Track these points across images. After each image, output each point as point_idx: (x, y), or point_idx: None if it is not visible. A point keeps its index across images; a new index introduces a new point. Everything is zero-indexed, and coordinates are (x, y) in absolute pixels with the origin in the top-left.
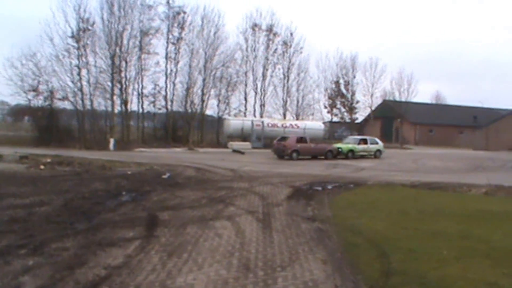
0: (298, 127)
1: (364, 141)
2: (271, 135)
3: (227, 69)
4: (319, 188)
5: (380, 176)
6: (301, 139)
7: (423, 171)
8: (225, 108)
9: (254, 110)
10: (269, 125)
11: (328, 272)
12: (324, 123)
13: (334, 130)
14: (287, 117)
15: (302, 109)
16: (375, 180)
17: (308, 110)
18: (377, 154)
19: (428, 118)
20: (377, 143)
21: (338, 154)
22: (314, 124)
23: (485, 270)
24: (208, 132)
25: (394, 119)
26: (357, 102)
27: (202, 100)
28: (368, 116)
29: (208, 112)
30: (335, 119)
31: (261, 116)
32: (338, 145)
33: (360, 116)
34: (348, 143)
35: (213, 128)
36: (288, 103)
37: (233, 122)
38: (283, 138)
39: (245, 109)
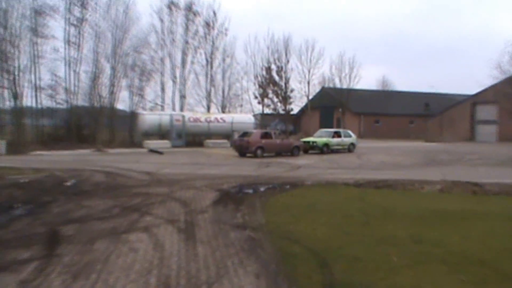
0: (224, 121)
1: (338, 134)
2: (193, 131)
3: (140, 55)
4: (250, 191)
5: (320, 174)
6: (266, 135)
7: (369, 167)
8: (139, 101)
9: (173, 103)
10: (191, 119)
11: (261, 287)
12: (254, 115)
13: (266, 123)
14: (211, 110)
15: (229, 100)
16: (314, 180)
17: (235, 101)
18: (351, 148)
19: (373, 107)
20: (350, 136)
21: (311, 149)
22: (243, 117)
23: (441, 277)
24: (119, 129)
25: (335, 109)
26: (291, 90)
27: (112, 92)
28: (305, 106)
29: (119, 106)
30: (267, 110)
31: (182, 110)
32: (312, 139)
33: (296, 107)
34: (322, 137)
35: (125, 125)
36: (212, 93)
37: (149, 118)
38: (246, 134)
39: (163, 102)
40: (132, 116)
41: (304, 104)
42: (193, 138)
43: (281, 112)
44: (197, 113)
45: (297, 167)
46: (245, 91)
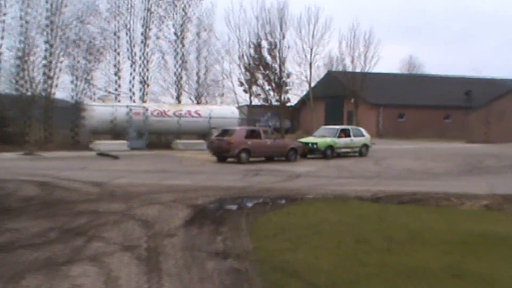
0: (199, 115)
1: (346, 133)
2: (158, 129)
3: (86, 26)
4: (234, 207)
5: (326, 185)
6: (253, 133)
7: (391, 176)
8: (86, 89)
9: (132, 91)
10: (156, 113)
11: None
12: (239, 108)
13: (254, 118)
14: (183, 101)
15: (206, 88)
16: (318, 193)
17: (215, 89)
18: (363, 151)
19: (397, 97)
20: (362, 135)
21: (310, 153)
22: (225, 110)
23: None
24: (59, 126)
25: (345, 100)
26: (288, 75)
27: (48, 76)
28: (306, 96)
29: (58, 95)
30: (256, 101)
31: (143, 100)
32: (311, 139)
33: (294, 97)
34: (325, 136)
35: (67, 121)
36: (184, 79)
37: (99, 110)
38: (227, 132)
39: (118, 89)
40: (76, 109)
41: (304, 93)
42: (158, 137)
43: (275, 103)
44: (163, 105)
45: (295, 176)
46: (227, 76)
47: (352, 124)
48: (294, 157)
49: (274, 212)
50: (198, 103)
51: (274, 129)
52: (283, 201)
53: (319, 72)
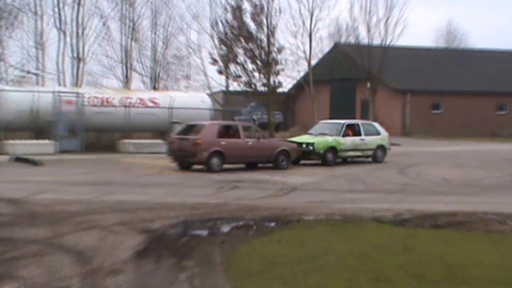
0: (157, 104)
1: (354, 130)
2: (99, 124)
3: None
4: (204, 233)
5: (331, 202)
6: (228, 130)
7: (421, 190)
8: None
9: (61, 71)
10: (96, 102)
11: None
12: (212, 95)
13: (233, 109)
14: (133, 85)
15: (166, 68)
16: (321, 212)
17: (178, 70)
18: (378, 155)
19: (430, 80)
20: (377, 133)
21: (303, 157)
22: (192, 97)
23: None
24: None
25: (358, 84)
26: (280, 50)
27: None
28: (304, 78)
29: None
30: (235, 86)
31: (78, 84)
32: (305, 139)
33: (287, 80)
34: (325, 135)
35: None
36: (134, 55)
37: (14, 97)
38: (192, 128)
39: (40, 68)
40: None
41: (302, 75)
42: (98, 136)
43: (261, 89)
44: (106, 91)
45: (289, 189)
46: (195, 51)
47: (368, 118)
48: (285, 164)
49: (260, 240)
50: (154, 88)
51: (260, 125)
52: (273, 224)
53: (322, 46)
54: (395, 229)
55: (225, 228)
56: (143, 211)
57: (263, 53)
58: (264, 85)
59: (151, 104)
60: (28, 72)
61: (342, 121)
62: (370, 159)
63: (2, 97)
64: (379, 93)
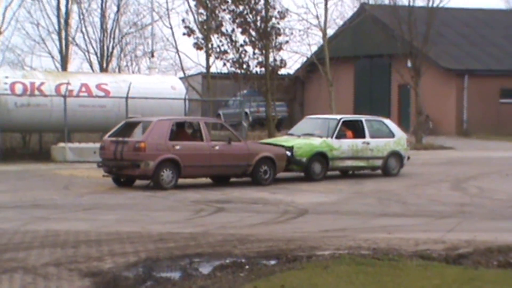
0: (107, 92)
1: (353, 128)
2: (24, 121)
3: None
4: (176, 275)
5: (355, 231)
6: (185, 128)
7: (484, 212)
8: None
9: None
10: (19, 90)
11: None
12: (187, 79)
13: (218, 99)
14: (72, 66)
15: (119, 41)
16: (341, 245)
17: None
18: (391, 166)
19: (497, 57)
20: (390, 135)
21: (287, 168)
22: (157, 82)
23: None
24: None
25: (395, 62)
26: (283, 14)
27: None
28: (318, 54)
29: None
30: (219, 66)
31: None
32: (282, 141)
33: (294, 59)
34: (312, 136)
35: None
36: (74, 22)
37: None
38: (133, 126)
39: None
40: None
41: (314, 50)
42: (23, 138)
43: (256, 70)
44: (34, 74)
45: (296, 213)
46: (163, 17)
47: (408, 111)
48: (269, 177)
49: (255, 285)
50: (104, 70)
51: (256, 121)
52: (273, 262)
53: (342, 9)
54: (447, 270)
55: (205, 269)
56: (88, 245)
57: (258, 18)
58: (260, 64)
59: (99, 93)
60: None
61: (337, 117)
62: (380, 171)
63: None
64: (424, 75)
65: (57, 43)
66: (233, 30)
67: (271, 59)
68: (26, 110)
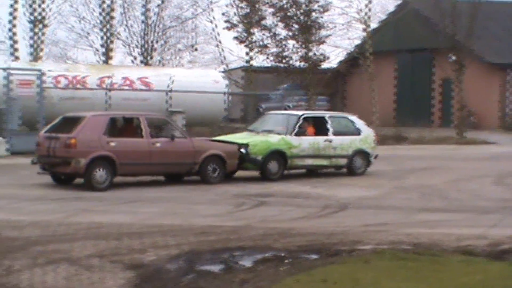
0: (150, 86)
1: (315, 125)
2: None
3: None
4: (217, 268)
5: (397, 226)
6: (122, 124)
7: None
8: None
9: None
10: (63, 82)
11: None
12: (228, 72)
13: (258, 92)
14: (116, 60)
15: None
16: (383, 240)
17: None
18: (356, 165)
19: None
20: (356, 132)
21: (239, 167)
22: (199, 76)
23: None
24: None
25: (437, 56)
26: (325, 8)
27: None
28: (359, 48)
29: None
30: (260, 60)
31: (37, 58)
32: (238, 138)
33: (336, 53)
34: (270, 132)
35: None
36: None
37: None
38: (70, 121)
39: None
40: None
41: (356, 43)
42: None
43: (297, 64)
44: (77, 67)
45: (337, 207)
46: (205, 11)
47: (451, 105)
48: (217, 175)
49: (296, 279)
50: (146, 63)
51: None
52: (314, 256)
53: (384, 3)
54: (491, 265)
55: (247, 262)
56: (130, 238)
57: (301, 13)
58: (302, 58)
59: (141, 86)
60: None
61: (298, 113)
62: (345, 169)
63: None
64: (467, 69)
65: (100, 36)
66: (274, 24)
67: (312, 53)
68: (70, 103)
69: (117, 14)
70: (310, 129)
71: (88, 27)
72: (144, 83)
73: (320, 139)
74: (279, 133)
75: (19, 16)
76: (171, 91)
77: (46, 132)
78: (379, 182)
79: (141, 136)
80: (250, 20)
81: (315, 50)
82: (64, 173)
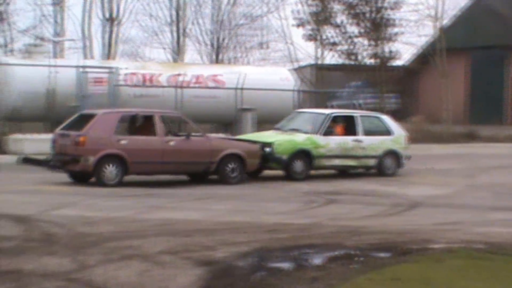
0: (221, 83)
1: (344, 124)
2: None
3: None
4: (288, 266)
5: (470, 224)
6: (135, 122)
7: None
8: None
9: (88, 38)
10: (135, 80)
11: None
12: (298, 70)
13: (328, 90)
14: (187, 57)
15: (232, 33)
16: (455, 238)
17: (249, 35)
18: (386, 165)
19: None
20: (387, 132)
21: (263, 166)
22: (268, 74)
23: None
24: None
25: (509, 52)
26: (396, 5)
27: None
28: (431, 45)
29: None
30: (329, 57)
31: (110, 56)
32: (264, 136)
33: (407, 50)
34: (297, 131)
35: None
36: (188, 13)
37: (24, 73)
38: (82, 119)
39: (59, 33)
40: None
41: (427, 41)
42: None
43: (368, 61)
44: (149, 65)
45: (408, 206)
46: (275, 9)
47: None
48: (236, 175)
49: (367, 277)
50: (217, 61)
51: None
52: (385, 254)
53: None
54: None
55: (317, 260)
56: (201, 235)
57: (372, 10)
58: (373, 56)
59: (212, 84)
60: (42, 39)
61: (326, 112)
62: (375, 169)
63: (5, 73)
64: None
65: (171, 34)
66: (344, 22)
67: (384, 50)
68: (141, 100)
69: (188, 11)
70: (339, 129)
71: (160, 25)
72: (215, 80)
73: (349, 139)
74: (306, 132)
75: (93, 14)
76: (241, 89)
77: (61, 129)
78: (451, 181)
79: (153, 133)
80: (320, 17)
81: (385, 47)
82: (74, 170)
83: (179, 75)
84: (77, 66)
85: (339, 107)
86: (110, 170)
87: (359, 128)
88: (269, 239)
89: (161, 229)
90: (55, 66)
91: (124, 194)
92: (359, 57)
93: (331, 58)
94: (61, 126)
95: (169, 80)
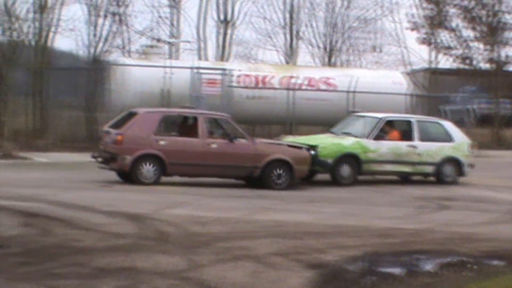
0: (333, 87)
1: (399, 129)
2: (252, 113)
3: None
4: (397, 271)
5: None
6: (177, 122)
7: None
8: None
9: (202, 39)
10: (248, 82)
11: None
12: (411, 74)
13: (442, 95)
14: (299, 59)
15: (346, 36)
16: None
17: (363, 39)
18: (445, 173)
19: None
20: (447, 139)
21: (312, 174)
22: (380, 77)
23: None
24: (61, 104)
25: None
26: None
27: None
28: None
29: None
30: (443, 62)
31: (223, 58)
32: (311, 140)
33: None
34: (348, 135)
35: (76, 93)
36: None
37: (140, 74)
38: (127, 117)
39: (174, 35)
40: (94, 71)
41: None
42: (250, 129)
43: (483, 65)
44: (261, 67)
45: None
46: (388, 11)
47: None
48: (283, 181)
49: (481, 285)
50: (329, 64)
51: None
52: (497, 262)
53: None
54: None
55: (429, 266)
56: (311, 237)
57: (488, 14)
58: (489, 60)
59: (324, 86)
60: (159, 41)
61: (379, 115)
62: (433, 177)
63: (123, 74)
64: None
65: (284, 37)
66: (460, 25)
67: (500, 54)
68: (254, 102)
69: (302, 14)
70: (393, 133)
71: (273, 27)
72: (327, 83)
73: (402, 144)
74: (356, 136)
75: (208, 16)
76: (353, 92)
77: (109, 126)
78: None
79: (195, 135)
80: (435, 21)
81: (502, 52)
82: (115, 168)
83: (291, 77)
84: (191, 68)
85: (452, 112)
86: (147, 169)
87: (415, 133)
88: (379, 243)
89: (271, 231)
90: (170, 67)
91: (235, 195)
92: (474, 62)
93: (445, 62)
94: (110, 123)
95: (281, 82)
